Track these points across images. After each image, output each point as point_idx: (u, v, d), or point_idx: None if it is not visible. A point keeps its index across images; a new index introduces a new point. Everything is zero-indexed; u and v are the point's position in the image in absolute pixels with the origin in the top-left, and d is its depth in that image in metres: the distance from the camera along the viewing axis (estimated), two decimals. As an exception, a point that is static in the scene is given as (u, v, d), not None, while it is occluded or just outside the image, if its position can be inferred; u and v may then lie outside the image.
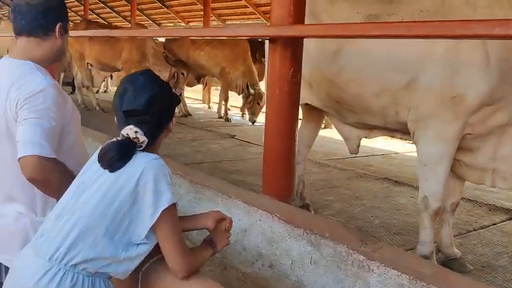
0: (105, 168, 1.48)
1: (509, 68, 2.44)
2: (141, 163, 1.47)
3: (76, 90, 9.85)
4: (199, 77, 9.44)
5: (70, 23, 2.03)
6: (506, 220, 3.87)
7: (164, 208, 1.44)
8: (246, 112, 8.84)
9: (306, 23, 2.71)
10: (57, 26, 1.85)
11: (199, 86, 10.63)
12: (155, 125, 1.55)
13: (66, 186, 1.75)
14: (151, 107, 1.52)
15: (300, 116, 3.17)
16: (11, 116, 1.72)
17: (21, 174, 1.67)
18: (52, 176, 1.69)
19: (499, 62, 2.43)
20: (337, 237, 2.23)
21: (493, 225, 3.75)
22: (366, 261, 2.04)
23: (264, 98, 8.59)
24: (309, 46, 2.93)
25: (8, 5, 20.83)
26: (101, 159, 1.49)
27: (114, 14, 17.05)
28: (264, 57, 9.38)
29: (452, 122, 2.59)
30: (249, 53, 8.64)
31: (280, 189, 2.75)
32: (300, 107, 2.99)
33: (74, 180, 1.58)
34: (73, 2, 16.13)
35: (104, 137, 4.01)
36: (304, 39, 2.71)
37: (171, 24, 16.19)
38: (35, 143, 1.65)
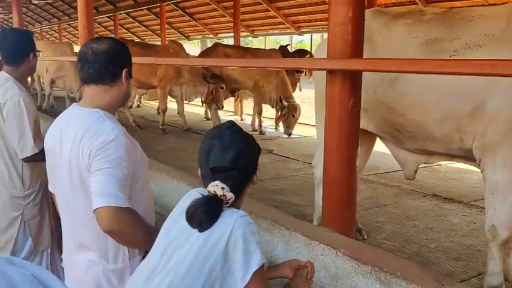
0: (194, 228, 1.46)
1: None
2: (230, 221, 1.45)
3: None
4: (233, 90, 9.46)
5: None
6: None
7: (255, 270, 1.42)
8: (280, 124, 8.80)
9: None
10: (124, 72, 1.86)
11: (231, 98, 10.66)
12: (242, 180, 1.54)
13: (139, 235, 1.75)
14: (238, 162, 1.50)
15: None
16: (84, 166, 1.73)
17: (95, 224, 1.67)
18: (127, 226, 1.69)
19: None
20: (409, 277, 2.14)
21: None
22: (443, 303, 1.95)
23: (299, 109, 8.56)
24: (364, 70, 2.85)
25: (40, 23, 21.32)
26: (190, 220, 1.47)
27: (143, 28, 17.33)
28: (297, 71, 9.39)
29: (522, 149, 2.49)
30: (283, 65, 8.60)
31: (342, 222, 2.68)
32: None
33: (160, 236, 1.57)
34: (103, 17, 16.48)
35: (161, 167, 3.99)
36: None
37: (200, 37, 16.35)
38: (110, 194, 1.66)
